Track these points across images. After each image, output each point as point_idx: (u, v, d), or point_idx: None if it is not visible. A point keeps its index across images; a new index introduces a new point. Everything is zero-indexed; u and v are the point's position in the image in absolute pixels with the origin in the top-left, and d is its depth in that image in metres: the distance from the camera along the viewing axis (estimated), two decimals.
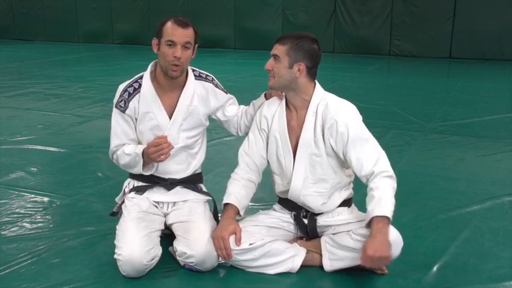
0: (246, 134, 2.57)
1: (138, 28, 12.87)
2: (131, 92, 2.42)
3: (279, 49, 2.23)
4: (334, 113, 2.23)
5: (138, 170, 2.40)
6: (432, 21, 10.13)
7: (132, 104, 2.41)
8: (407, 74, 8.57)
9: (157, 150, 2.25)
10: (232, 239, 2.24)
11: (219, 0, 11.90)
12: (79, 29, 13.73)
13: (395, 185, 2.20)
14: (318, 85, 2.33)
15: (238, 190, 2.36)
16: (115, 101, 2.44)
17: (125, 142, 2.44)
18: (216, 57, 10.45)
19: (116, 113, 2.44)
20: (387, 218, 2.07)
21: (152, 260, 2.27)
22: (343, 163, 2.32)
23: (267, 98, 2.50)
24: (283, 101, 2.37)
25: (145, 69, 2.48)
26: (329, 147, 2.26)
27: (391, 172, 2.21)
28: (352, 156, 2.21)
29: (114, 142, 2.46)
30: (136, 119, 2.43)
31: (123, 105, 2.41)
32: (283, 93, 2.38)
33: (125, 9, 12.99)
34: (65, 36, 13.81)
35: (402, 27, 10.45)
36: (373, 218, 2.08)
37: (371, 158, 2.20)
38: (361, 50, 10.80)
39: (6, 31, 14.54)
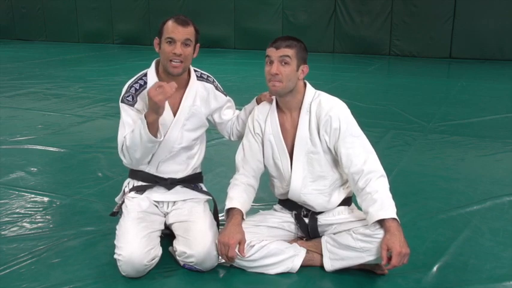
0: (238, 138, 2.58)
1: (138, 28, 12.89)
2: (137, 88, 2.40)
3: (288, 52, 2.20)
4: (328, 110, 2.24)
5: (144, 136, 2.22)
6: (432, 21, 10.14)
7: (140, 98, 2.39)
8: (407, 74, 8.58)
9: (159, 91, 2.13)
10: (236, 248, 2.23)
11: (219, 0, 11.91)
12: (79, 29, 13.74)
13: (388, 184, 2.22)
14: (308, 84, 2.34)
15: (240, 194, 2.36)
16: (121, 96, 2.41)
17: None
18: (216, 57, 10.46)
19: (124, 107, 2.39)
20: (396, 219, 2.10)
21: (152, 260, 2.27)
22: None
23: (258, 102, 2.50)
24: (274, 104, 2.37)
25: (145, 68, 2.48)
26: (324, 144, 2.27)
27: (382, 171, 2.22)
28: (343, 152, 2.22)
29: (127, 131, 2.34)
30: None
31: (130, 100, 2.38)
32: (273, 97, 2.38)
33: (124, 9, 13.00)
34: (65, 36, 13.83)
35: (402, 27, 10.46)
36: (382, 218, 2.09)
37: (361, 155, 2.21)
38: (361, 50, 10.81)
39: (6, 31, 14.56)
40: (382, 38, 10.65)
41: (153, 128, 2.23)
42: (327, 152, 2.30)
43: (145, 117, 2.23)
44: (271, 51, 2.23)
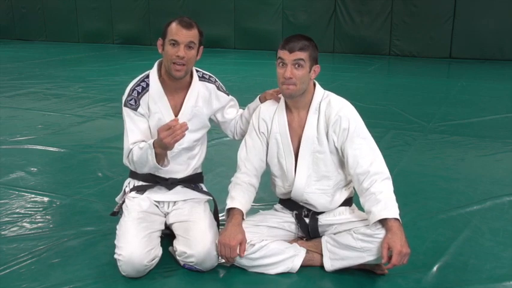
0: (242, 137, 2.56)
1: (138, 28, 12.89)
2: (140, 91, 2.39)
3: (302, 55, 2.18)
4: (338, 110, 2.25)
5: (151, 163, 2.26)
6: (432, 21, 10.14)
7: (143, 102, 2.38)
8: (407, 74, 8.58)
9: (169, 133, 2.11)
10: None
11: (219, 0, 11.91)
12: (79, 29, 13.74)
13: (392, 187, 2.22)
14: (317, 83, 2.34)
15: (242, 194, 2.36)
16: (124, 100, 2.40)
17: (142, 139, 2.36)
18: (216, 57, 10.45)
19: (127, 112, 2.38)
20: (398, 220, 2.10)
21: (152, 260, 2.27)
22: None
23: (261, 101, 2.50)
24: (282, 103, 2.37)
25: (146, 69, 2.47)
26: (332, 144, 2.27)
27: (388, 173, 2.23)
28: (349, 153, 2.22)
29: (131, 139, 2.35)
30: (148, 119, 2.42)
31: (133, 104, 2.37)
32: (280, 95, 2.37)
33: (124, 9, 13.00)
34: (65, 36, 13.83)
35: (402, 27, 10.46)
36: (385, 218, 2.10)
37: (367, 157, 2.21)
38: (361, 50, 10.82)
39: (6, 31, 14.56)
40: (382, 38, 10.65)
41: (161, 157, 2.26)
42: (334, 152, 2.29)
43: (153, 144, 2.21)
44: (284, 54, 2.19)
